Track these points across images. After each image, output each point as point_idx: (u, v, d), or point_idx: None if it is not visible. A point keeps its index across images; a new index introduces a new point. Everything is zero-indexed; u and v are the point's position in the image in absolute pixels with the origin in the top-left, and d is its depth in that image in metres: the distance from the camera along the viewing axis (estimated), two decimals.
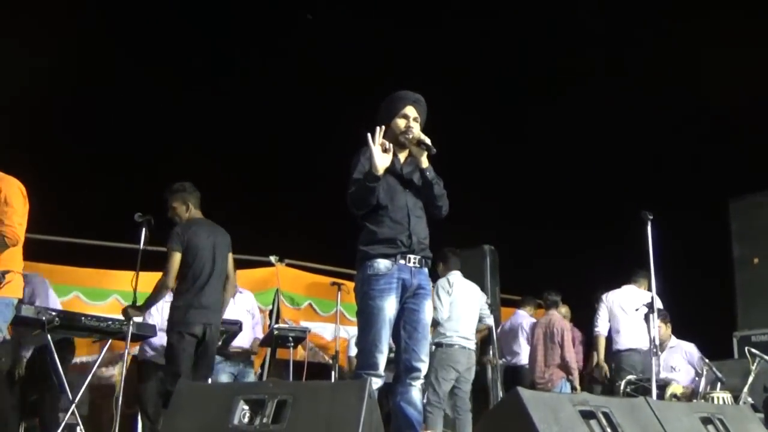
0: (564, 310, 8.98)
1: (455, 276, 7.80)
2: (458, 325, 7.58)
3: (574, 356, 8.20)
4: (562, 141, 12.91)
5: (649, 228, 6.09)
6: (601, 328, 8.10)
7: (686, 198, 11.58)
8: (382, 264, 4.25)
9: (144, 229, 6.00)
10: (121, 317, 6.05)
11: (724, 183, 10.49)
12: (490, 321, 8.18)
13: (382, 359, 4.21)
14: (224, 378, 7.17)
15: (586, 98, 12.14)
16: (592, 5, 11.25)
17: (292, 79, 12.41)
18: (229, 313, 7.26)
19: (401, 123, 4.46)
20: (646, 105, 12.44)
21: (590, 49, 12.03)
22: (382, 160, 4.23)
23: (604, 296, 8.23)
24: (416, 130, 4.44)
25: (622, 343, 7.94)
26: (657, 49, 11.82)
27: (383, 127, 4.35)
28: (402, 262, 4.27)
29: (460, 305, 7.65)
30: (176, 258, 5.80)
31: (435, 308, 7.53)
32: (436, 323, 7.55)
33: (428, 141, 4.41)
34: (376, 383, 4.17)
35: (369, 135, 4.26)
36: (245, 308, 7.62)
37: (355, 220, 4.43)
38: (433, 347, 7.56)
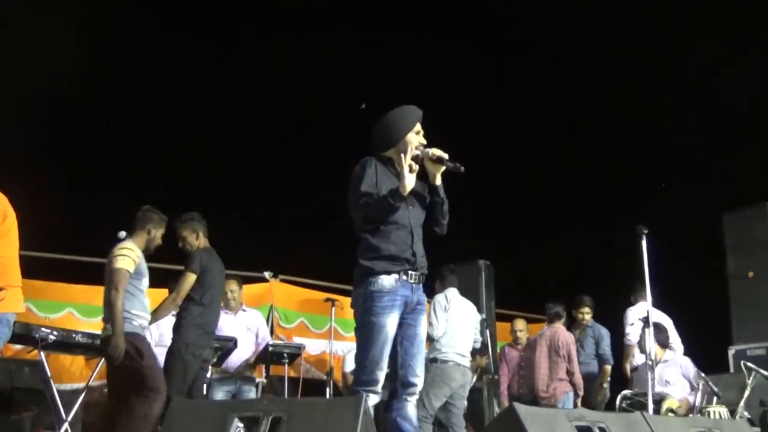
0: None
1: (452, 293, 7.84)
2: (454, 341, 7.59)
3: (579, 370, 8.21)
4: (557, 154, 12.94)
5: (644, 242, 6.09)
6: (633, 336, 8.04)
7: (680, 211, 11.59)
8: (387, 281, 4.23)
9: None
10: (88, 331, 6.10)
11: (718, 196, 10.51)
12: (477, 345, 8.24)
13: (381, 376, 4.20)
14: (220, 396, 7.15)
15: (583, 111, 12.17)
16: (591, 17, 11.29)
17: (286, 93, 12.43)
18: (229, 330, 7.30)
19: (414, 139, 4.42)
20: (640, 118, 12.47)
21: (584, 59, 12.05)
22: (411, 182, 4.22)
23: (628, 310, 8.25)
24: (434, 149, 4.40)
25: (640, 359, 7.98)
26: (649, 61, 11.86)
27: (412, 149, 4.30)
28: (405, 278, 4.26)
29: (456, 322, 7.66)
30: (191, 279, 6.00)
31: (430, 324, 7.56)
32: (430, 339, 7.56)
33: (447, 156, 4.38)
34: (374, 400, 4.17)
35: (402, 156, 4.25)
36: (245, 325, 7.62)
37: (352, 232, 4.42)
38: (428, 363, 7.54)
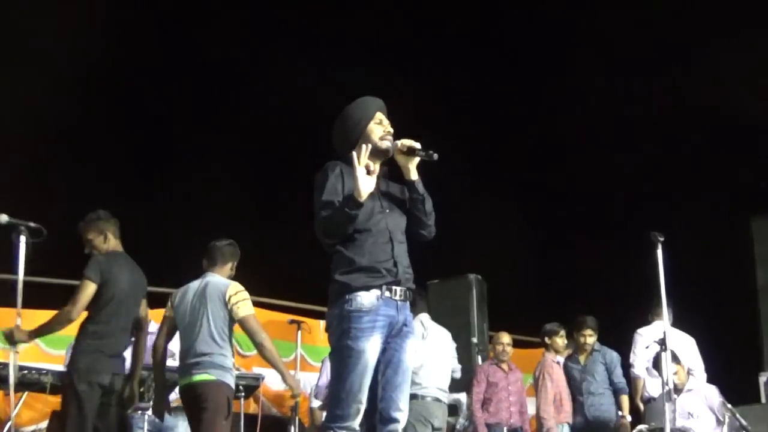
0: (560, 341, 8.89)
1: (427, 319, 7.88)
2: (434, 375, 7.66)
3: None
4: (559, 152, 12.99)
5: (659, 251, 6.09)
6: (638, 368, 8.05)
7: (702, 217, 11.65)
8: (366, 298, 4.17)
9: (23, 238, 5.51)
10: (39, 365, 5.97)
11: (746, 199, 10.57)
12: (458, 375, 8.27)
13: (360, 411, 4.15)
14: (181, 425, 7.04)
15: (589, 106, 12.25)
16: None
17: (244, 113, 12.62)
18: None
19: (378, 130, 4.39)
20: (656, 111, 12.57)
21: (595, 58, 12.18)
22: (366, 185, 4.15)
23: (638, 332, 8.24)
24: (404, 139, 4.35)
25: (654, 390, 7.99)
26: (664, 61, 12.04)
27: (368, 145, 4.26)
28: (388, 294, 4.20)
29: (436, 352, 7.72)
30: (90, 289, 5.70)
31: None
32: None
33: (419, 145, 4.32)
34: None
35: (354, 155, 4.19)
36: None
37: (322, 247, 4.37)
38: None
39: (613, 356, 8.51)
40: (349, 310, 4.16)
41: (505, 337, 8.65)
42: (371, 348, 4.16)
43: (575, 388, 8.46)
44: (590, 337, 8.53)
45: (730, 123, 11.48)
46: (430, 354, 7.64)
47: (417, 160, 4.35)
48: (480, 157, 12.83)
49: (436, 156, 4.30)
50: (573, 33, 12.19)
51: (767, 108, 10.86)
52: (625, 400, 8.35)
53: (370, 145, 4.27)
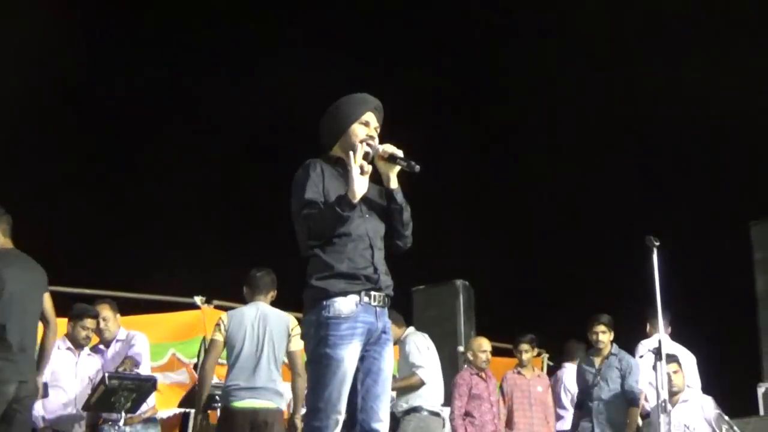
0: (526, 357, 8.78)
1: (422, 333, 8.00)
2: (433, 388, 7.69)
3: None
4: (552, 155, 12.98)
5: (655, 256, 6.04)
6: (640, 382, 7.82)
7: (699, 222, 11.64)
8: (344, 304, 4.10)
9: None
10: None
11: (745, 204, 10.56)
12: None
13: (337, 422, 4.07)
14: None
15: (582, 108, 12.26)
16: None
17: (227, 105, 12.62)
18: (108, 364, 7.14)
19: (361, 132, 4.31)
20: (654, 115, 12.59)
21: (593, 55, 12.20)
22: (361, 186, 4.09)
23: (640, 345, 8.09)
24: (386, 145, 4.24)
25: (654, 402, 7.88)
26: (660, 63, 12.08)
27: (366, 144, 4.18)
28: (366, 300, 4.13)
29: (434, 365, 7.76)
30: None
31: (420, 366, 7.67)
32: (422, 384, 7.67)
33: (401, 154, 4.22)
34: None
35: (351, 153, 4.12)
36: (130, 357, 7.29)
37: (296, 249, 4.29)
38: (406, 412, 7.63)
39: (631, 362, 8.13)
40: (327, 317, 4.09)
41: (487, 344, 8.51)
42: (350, 356, 4.09)
43: (585, 393, 8.19)
44: (603, 335, 8.15)
45: (730, 128, 11.49)
46: (433, 367, 7.74)
47: (398, 168, 4.25)
48: (467, 158, 12.83)
49: (417, 168, 4.21)
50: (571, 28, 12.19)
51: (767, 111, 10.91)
52: (633, 413, 8.02)
53: (366, 145, 4.20)
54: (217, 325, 6.53)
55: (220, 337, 6.43)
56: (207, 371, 6.49)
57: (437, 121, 12.85)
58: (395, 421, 7.69)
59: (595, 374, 8.18)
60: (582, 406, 8.26)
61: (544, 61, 12.79)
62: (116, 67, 12.59)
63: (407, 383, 7.87)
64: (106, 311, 7.29)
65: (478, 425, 8.20)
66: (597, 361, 8.24)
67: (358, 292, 4.12)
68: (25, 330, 5.77)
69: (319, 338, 4.08)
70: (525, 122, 12.95)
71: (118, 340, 7.34)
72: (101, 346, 7.32)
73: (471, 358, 8.52)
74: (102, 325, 7.23)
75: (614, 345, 8.26)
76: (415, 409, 7.54)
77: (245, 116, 12.72)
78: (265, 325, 6.42)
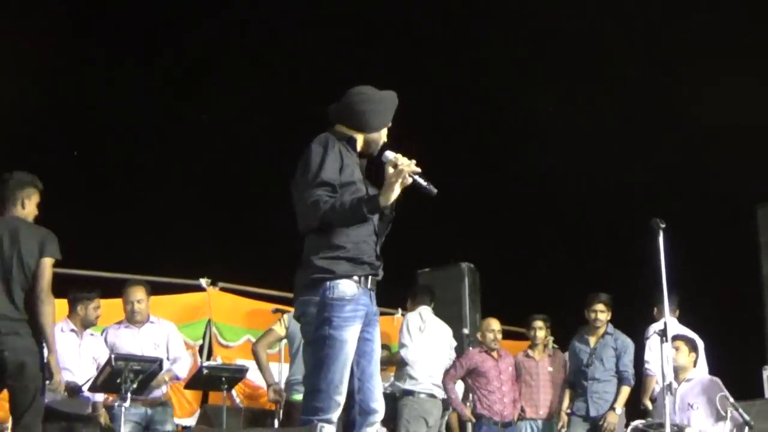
0: (540, 334, 8.86)
1: (427, 312, 7.92)
2: (431, 370, 7.72)
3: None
4: (556, 136, 12.97)
5: (661, 239, 6.08)
6: (654, 366, 7.83)
7: (705, 204, 11.66)
8: (348, 287, 4.20)
9: None
10: None
11: (751, 186, 10.57)
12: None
13: (340, 403, 4.16)
14: (128, 428, 6.98)
15: (588, 89, 12.25)
16: None
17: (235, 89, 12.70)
18: (130, 347, 7.29)
19: (382, 139, 4.46)
20: (655, 95, 12.57)
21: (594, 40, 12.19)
22: (395, 194, 4.15)
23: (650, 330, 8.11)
24: (413, 164, 4.23)
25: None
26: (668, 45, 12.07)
27: (408, 176, 4.14)
28: (365, 284, 4.26)
29: (433, 346, 7.78)
30: None
31: (404, 346, 7.69)
32: (403, 363, 7.59)
33: (418, 171, 4.22)
34: None
35: (397, 159, 4.17)
36: (152, 341, 7.52)
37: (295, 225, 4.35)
38: (401, 395, 7.70)
39: (627, 342, 8.29)
40: (332, 298, 4.17)
41: (496, 324, 8.58)
42: (352, 338, 4.19)
43: (579, 372, 8.29)
44: (602, 314, 8.25)
45: (736, 109, 11.50)
46: (426, 348, 7.69)
47: (408, 183, 4.22)
48: (473, 140, 12.84)
49: (435, 191, 4.25)
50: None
51: None
52: (624, 390, 8.17)
53: (406, 176, 4.13)
54: (282, 320, 7.30)
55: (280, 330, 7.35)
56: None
57: (440, 102, 12.83)
58: (393, 403, 7.80)
59: (591, 353, 8.27)
60: (575, 385, 8.36)
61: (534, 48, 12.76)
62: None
63: (386, 360, 7.96)
64: (141, 293, 7.47)
65: (486, 404, 8.31)
66: (592, 340, 8.33)
67: (361, 276, 4.23)
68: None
69: (322, 319, 4.16)
70: (534, 104, 12.93)
71: (151, 322, 7.59)
72: (128, 326, 7.48)
73: (480, 338, 8.63)
74: (136, 307, 7.40)
75: (610, 324, 8.34)
76: (410, 393, 7.60)
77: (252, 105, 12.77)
78: None
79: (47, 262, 5.69)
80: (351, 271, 4.21)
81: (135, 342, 7.39)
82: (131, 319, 7.46)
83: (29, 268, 5.66)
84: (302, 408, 4.22)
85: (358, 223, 4.19)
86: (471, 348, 8.85)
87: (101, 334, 7.49)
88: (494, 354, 8.46)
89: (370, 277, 4.27)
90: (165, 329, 7.72)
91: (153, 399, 7.36)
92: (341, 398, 4.17)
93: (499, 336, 8.57)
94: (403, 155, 4.28)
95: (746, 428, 7.02)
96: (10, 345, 5.55)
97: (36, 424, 5.63)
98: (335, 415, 4.16)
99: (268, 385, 7.61)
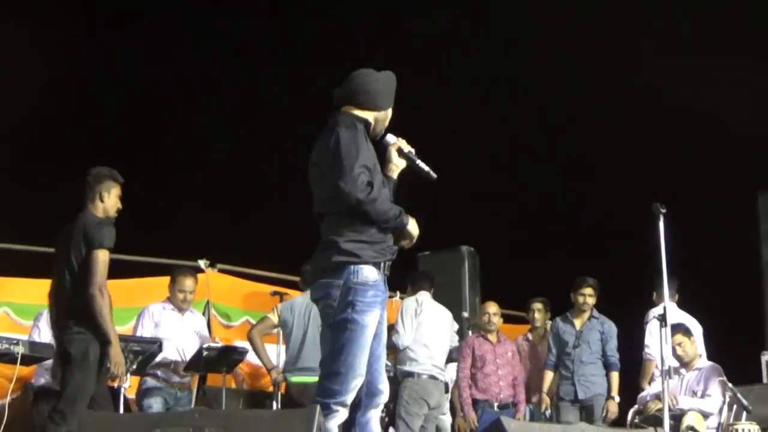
0: (539, 316, 9.00)
1: (424, 296, 7.99)
2: (431, 352, 7.76)
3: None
4: (560, 119, 12.99)
5: (661, 224, 6.11)
6: (654, 350, 7.77)
7: (706, 190, 11.68)
8: (371, 273, 4.26)
9: None
10: (8, 334, 5.98)
11: (752, 173, 10.60)
12: (457, 354, 8.33)
13: (356, 387, 4.22)
14: (158, 403, 7.28)
15: (590, 75, 12.25)
16: None
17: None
18: (176, 330, 7.52)
19: (387, 120, 4.51)
20: (660, 80, 12.57)
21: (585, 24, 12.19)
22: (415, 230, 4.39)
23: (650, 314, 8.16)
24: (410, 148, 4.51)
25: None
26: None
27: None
28: (384, 270, 4.33)
29: (432, 330, 7.81)
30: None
31: (396, 332, 7.72)
32: (394, 349, 7.68)
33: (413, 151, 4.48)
34: (343, 416, 4.20)
35: (396, 141, 4.44)
36: (193, 328, 7.78)
37: (306, 211, 4.41)
38: (402, 377, 7.74)
39: (612, 327, 8.36)
40: (357, 283, 4.23)
41: (492, 307, 8.61)
42: (372, 323, 4.28)
43: (564, 354, 8.32)
44: (590, 298, 8.32)
45: (737, 96, 11.51)
46: (428, 332, 7.76)
47: (405, 165, 4.49)
48: (473, 122, 12.84)
49: (434, 176, 4.46)
50: None
51: None
52: (614, 377, 8.21)
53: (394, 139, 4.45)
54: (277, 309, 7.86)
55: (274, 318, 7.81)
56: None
57: (443, 83, 12.83)
58: (394, 386, 7.87)
59: (577, 336, 8.32)
60: (559, 368, 8.39)
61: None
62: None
63: None
64: (193, 283, 7.72)
65: (482, 387, 8.36)
66: (578, 323, 8.39)
67: (381, 262, 4.30)
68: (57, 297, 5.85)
69: (346, 303, 4.21)
70: (534, 91, 12.94)
71: (191, 311, 7.88)
72: (173, 309, 7.66)
73: (478, 321, 8.71)
74: (189, 297, 7.68)
75: (594, 309, 8.41)
76: (410, 374, 7.65)
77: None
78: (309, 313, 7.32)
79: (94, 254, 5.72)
80: (375, 257, 4.27)
81: (181, 327, 7.61)
82: (179, 305, 7.64)
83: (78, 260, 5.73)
84: (318, 390, 4.25)
85: (389, 230, 4.31)
86: (470, 333, 8.90)
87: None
88: (491, 338, 8.49)
89: (388, 264, 4.34)
90: (200, 320, 8.10)
91: (182, 383, 7.57)
92: (359, 382, 4.22)
93: (495, 319, 8.56)
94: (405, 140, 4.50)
95: (744, 413, 7.09)
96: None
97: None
98: (351, 398, 4.21)
99: (269, 370, 7.77)
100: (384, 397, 4.36)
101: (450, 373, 8.58)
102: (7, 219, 9.62)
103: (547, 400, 8.39)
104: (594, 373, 8.23)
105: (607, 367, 8.26)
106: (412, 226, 4.35)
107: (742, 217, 9.91)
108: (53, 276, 5.86)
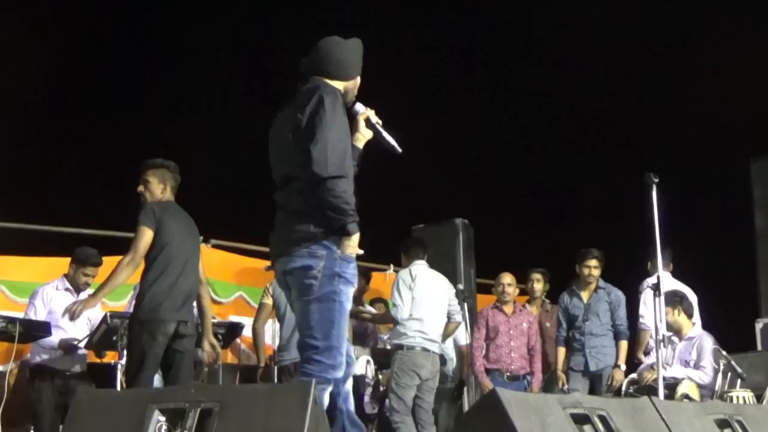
0: (538, 286, 9.10)
1: (419, 268, 7.95)
2: (422, 325, 7.74)
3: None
4: (552, 88, 12.98)
5: (654, 193, 6.12)
6: (649, 320, 7.76)
7: (700, 159, 11.70)
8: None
9: None
10: (3, 312, 6.01)
11: (745, 140, 10.61)
12: (459, 317, 8.25)
13: (343, 362, 4.21)
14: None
15: (584, 42, 12.24)
16: None
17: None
18: None
19: (356, 88, 4.50)
20: (652, 48, 12.57)
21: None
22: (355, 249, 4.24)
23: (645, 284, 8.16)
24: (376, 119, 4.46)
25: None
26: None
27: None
28: None
29: (425, 302, 7.80)
30: (148, 235, 5.87)
31: (394, 305, 7.76)
32: (395, 322, 7.73)
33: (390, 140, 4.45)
34: (329, 390, 4.18)
35: (365, 111, 4.38)
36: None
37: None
38: (393, 350, 7.79)
39: (619, 295, 8.34)
40: (342, 255, 4.18)
41: (506, 278, 8.64)
42: (351, 296, 4.28)
43: (574, 328, 8.32)
44: (595, 270, 8.30)
45: (730, 63, 11.51)
46: (420, 305, 7.75)
47: (371, 136, 4.44)
48: (466, 95, 12.83)
49: (399, 150, 4.42)
50: None
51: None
52: (623, 345, 8.21)
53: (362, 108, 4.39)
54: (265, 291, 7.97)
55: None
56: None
57: (434, 56, 12.83)
58: (388, 358, 7.92)
59: (585, 309, 8.33)
60: (570, 341, 8.40)
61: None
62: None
63: (380, 316, 8.69)
64: None
65: (493, 357, 8.47)
66: (585, 295, 8.37)
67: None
68: (188, 278, 6.12)
69: (334, 274, 4.15)
70: (525, 59, 12.92)
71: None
72: None
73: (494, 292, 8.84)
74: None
75: (600, 279, 8.41)
76: (400, 347, 7.66)
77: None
78: None
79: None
80: (356, 228, 4.22)
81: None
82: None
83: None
84: (315, 368, 4.17)
85: (332, 219, 4.16)
86: (467, 309, 8.89)
87: None
88: (506, 309, 8.57)
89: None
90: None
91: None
92: (343, 357, 4.22)
93: (510, 290, 8.60)
94: (374, 111, 4.47)
95: (738, 380, 7.13)
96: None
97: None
98: (341, 372, 4.21)
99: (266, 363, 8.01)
100: (353, 367, 4.40)
101: (459, 339, 8.65)
102: (2, 197, 9.60)
103: (563, 377, 8.40)
104: (605, 345, 8.23)
105: (616, 335, 8.26)
106: (354, 241, 4.18)
107: (735, 184, 9.92)
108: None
